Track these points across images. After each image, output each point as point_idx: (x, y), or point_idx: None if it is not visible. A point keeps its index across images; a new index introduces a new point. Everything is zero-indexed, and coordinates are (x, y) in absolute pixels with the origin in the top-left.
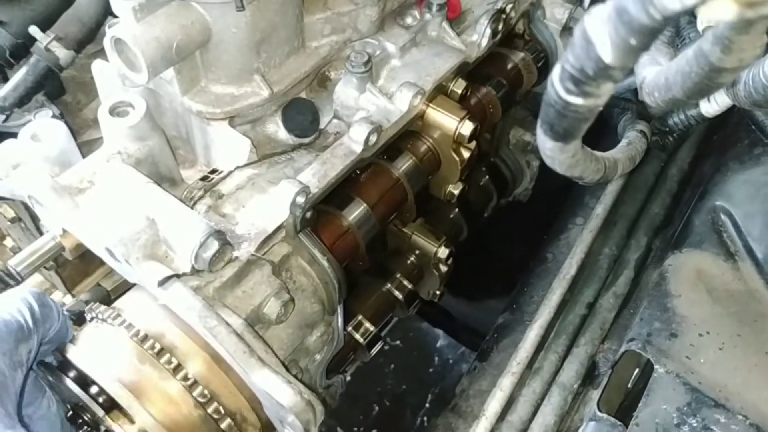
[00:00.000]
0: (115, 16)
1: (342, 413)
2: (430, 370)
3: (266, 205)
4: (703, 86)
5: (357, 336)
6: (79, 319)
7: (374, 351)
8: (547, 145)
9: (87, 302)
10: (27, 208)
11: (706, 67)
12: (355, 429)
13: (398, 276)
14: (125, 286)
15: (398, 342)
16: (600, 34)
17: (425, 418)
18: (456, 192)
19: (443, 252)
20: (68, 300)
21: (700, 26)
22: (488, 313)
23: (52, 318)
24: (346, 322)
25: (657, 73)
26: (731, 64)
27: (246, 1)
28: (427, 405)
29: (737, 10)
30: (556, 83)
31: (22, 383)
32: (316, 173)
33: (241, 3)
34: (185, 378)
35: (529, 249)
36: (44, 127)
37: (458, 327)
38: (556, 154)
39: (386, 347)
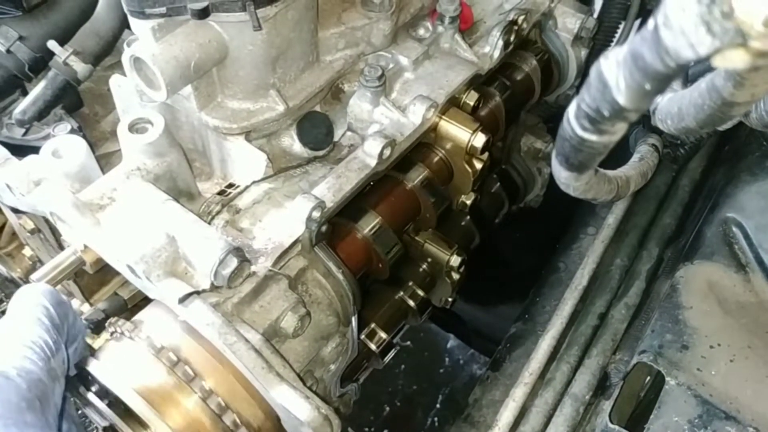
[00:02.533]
0: (132, 30)
1: (353, 414)
2: (441, 370)
3: (282, 220)
4: (716, 118)
5: (371, 344)
6: (97, 328)
7: (388, 359)
8: (562, 174)
9: (104, 311)
10: (47, 220)
11: (719, 101)
12: (366, 429)
13: (411, 284)
14: (142, 295)
15: (409, 343)
16: (615, 77)
17: (436, 419)
18: (468, 202)
19: (456, 260)
20: (86, 308)
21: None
22: (499, 318)
23: (68, 313)
24: (359, 331)
25: (670, 101)
26: (743, 99)
27: (262, 20)
28: (438, 405)
29: (749, 59)
30: (572, 120)
31: (61, 396)
32: (331, 187)
33: (258, 22)
34: (204, 391)
35: (541, 255)
36: (65, 143)
37: (469, 331)
38: (571, 182)
39: (397, 348)
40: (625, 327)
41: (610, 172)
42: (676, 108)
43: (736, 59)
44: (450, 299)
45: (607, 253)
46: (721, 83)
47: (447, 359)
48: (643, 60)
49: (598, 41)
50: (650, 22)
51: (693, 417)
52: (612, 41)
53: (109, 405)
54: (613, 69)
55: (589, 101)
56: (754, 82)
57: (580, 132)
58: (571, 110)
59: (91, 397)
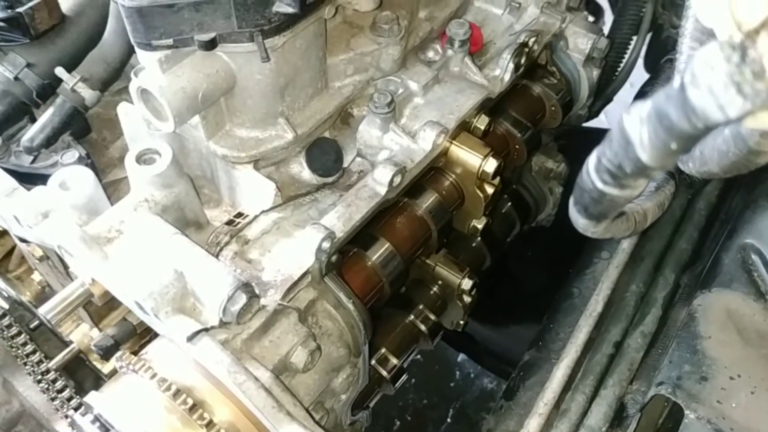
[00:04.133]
0: None
1: None
2: (452, 384)
3: (292, 251)
4: (741, 165)
5: (382, 371)
6: (106, 354)
7: (399, 384)
8: (580, 222)
9: (113, 336)
10: None
11: (744, 149)
12: None
13: (421, 307)
14: None
15: (419, 356)
16: (638, 134)
17: None
18: (480, 227)
19: (467, 283)
20: (95, 334)
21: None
22: (510, 338)
23: None
24: (369, 356)
25: None
26: None
27: (270, 50)
28: (449, 420)
29: None
30: (592, 173)
31: None
32: (341, 216)
33: (266, 53)
34: (211, 427)
35: (552, 274)
36: (72, 174)
37: (480, 351)
38: (589, 228)
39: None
40: (642, 356)
41: (627, 208)
42: (699, 152)
43: (766, 122)
44: (461, 322)
45: (621, 278)
46: (747, 132)
47: (457, 373)
48: (668, 119)
49: (609, 58)
50: (677, 80)
51: None
52: (623, 58)
53: None
54: (636, 126)
55: (611, 156)
56: None
57: (600, 186)
58: (591, 163)
59: (93, 429)
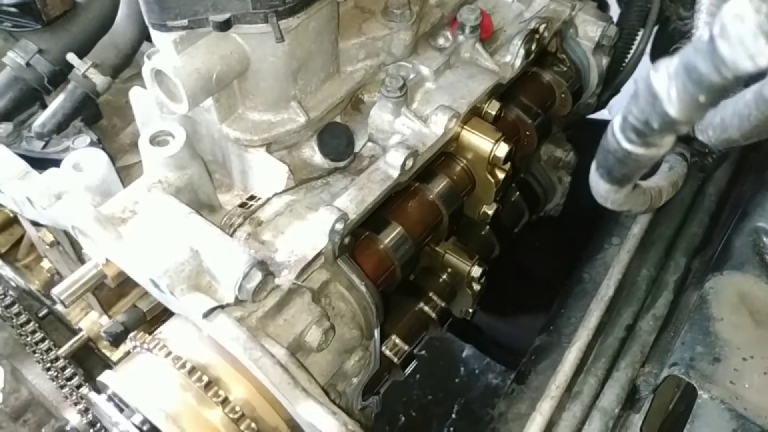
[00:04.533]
0: (151, 41)
1: None
2: (456, 380)
3: (305, 232)
4: (763, 129)
5: (392, 356)
6: (116, 340)
7: (408, 370)
8: (601, 188)
9: (123, 323)
10: (67, 233)
11: (767, 111)
12: None
13: (431, 295)
14: (161, 307)
15: (424, 352)
16: (666, 89)
17: (452, 429)
18: (490, 212)
19: (476, 271)
20: (105, 321)
21: None
22: (518, 328)
23: None
24: (380, 343)
25: (712, 111)
26: None
27: (284, 31)
28: (454, 416)
29: None
30: (617, 132)
31: None
32: (354, 199)
33: (280, 34)
34: (233, 411)
35: (560, 264)
36: (86, 156)
37: (487, 342)
38: (611, 195)
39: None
40: (654, 339)
41: (643, 184)
42: (719, 119)
43: None
44: (471, 310)
45: (632, 263)
46: None
47: (462, 369)
48: (697, 72)
49: (617, 49)
50: (705, 33)
51: None
52: (631, 48)
53: (128, 418)
54: (664, 81)
55: (638, 113)
56: None
57: (625, 145)
58: (617, 123)
59: (109, 408)
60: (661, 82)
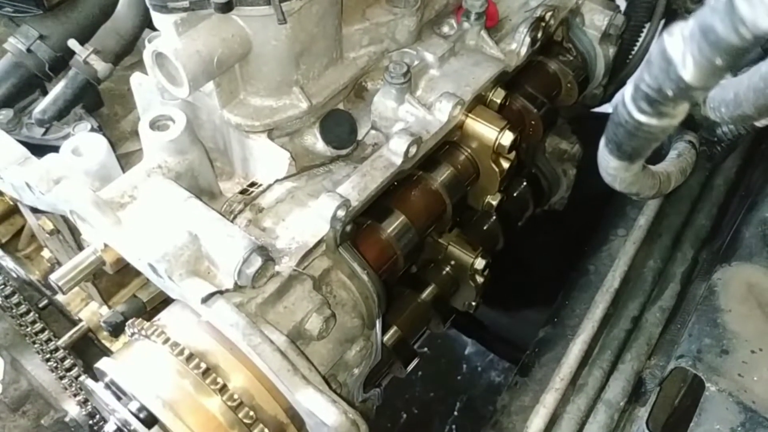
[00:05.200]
0: (153, 28)
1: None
2: (459, 377)
3: (306, 219)
4: None
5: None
6: (115, 330)
7: (410, 367)
8: (611, 164)
9: (123, 313)
10: (66, 221)
11: None
12: None
13: (434, 287)
14: (161, 297)
15: (426, 349)
16: (681, 53)
17: (453, 426)
18: (494, 203)
19: (480, 263)
20: (104, 311)
21: None
22: (522, 322)
23: None
24: (382, 335)
25: (724, 87)
26: None
27: (287, 14)
28: (456, 413)
29: None
30: (628, 103)
31: None
32: (356, 186)
33: (282, 15)
34: (231, 398)
35: (564, 258)
36: (85, 141)
37: (491, 336)
38: (620, 173)
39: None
40: (660, 331)
41: (653, 168)
42: (732, 94)
43: None
44: (473, 303)
45: (638, 255)
46: None
47: (464, 366)
48: (714, 33)
49: (623, 42)
50: None
51: (736, 425)
52: (638, 40)
53: (125, 405)
54: (679, 45)
55: (650, 81)
56: None
57: (637, 115)
58: (628, 92)
59: (106, 395)
60: (675, 45)
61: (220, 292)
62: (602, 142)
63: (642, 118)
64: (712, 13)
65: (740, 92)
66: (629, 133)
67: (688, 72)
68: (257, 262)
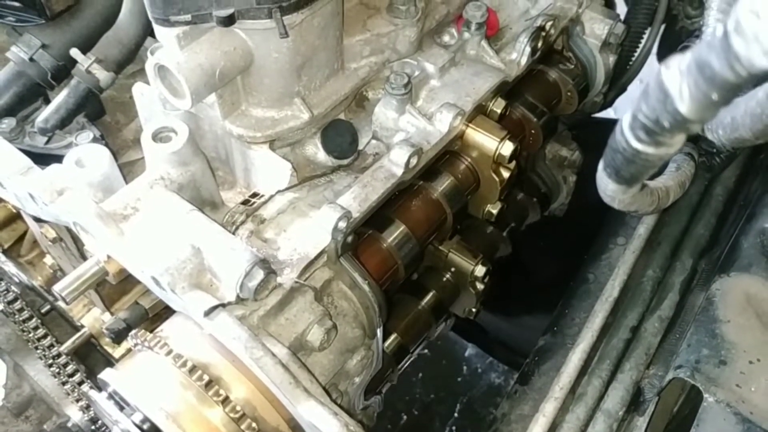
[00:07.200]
0: (155, 37)
1: None
2: (459, 379)
3: (308, 230)
4: None
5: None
6: (118, 337)
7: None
8: (609, 187)
9: (125, 320)
10: (69, 229)
11: None
12: None
13: (434, 294)
14: (163, 304)
15: (426, 351)
16: (678, 86)
17: (454, 428)
18: (495, 211)
19: (480, 270)
20: (107, 317)
21: None
22: (522, 328)
23: None
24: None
25: (722, 110)
26: None
27: (288, 27)
28: (456, 415)
29: None
30: (626, 131)
31: None
32: (357, 197)
33: (284, 29)
34: (234, 410)
35: (564, 264)
36: (88, 152)
37: (491, 341)
38: (618, 195)
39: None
40: (659, 341)
41: (651, 184)
42: (729, 118)
43: None
44: (474, 310)
45: (638, 264)
46: None
47: (465, 368)
48: (710, 69)
49: (624, 48)
50: (718, 29)
51: None
52: (638, 47)
53: (128, 416)
54: (676, 78)
55: (648, 112)
56: None
57: (635, 144)
58: (626, 121)
59: (109, 406)
60: (672, 79)
61: (223, 305)
62: (601, 165)
63: (639, 146)
64: (708, 49)
65: (737, 117)
66: (627, 160)
67: (684, 105)
68: (259, 275)
